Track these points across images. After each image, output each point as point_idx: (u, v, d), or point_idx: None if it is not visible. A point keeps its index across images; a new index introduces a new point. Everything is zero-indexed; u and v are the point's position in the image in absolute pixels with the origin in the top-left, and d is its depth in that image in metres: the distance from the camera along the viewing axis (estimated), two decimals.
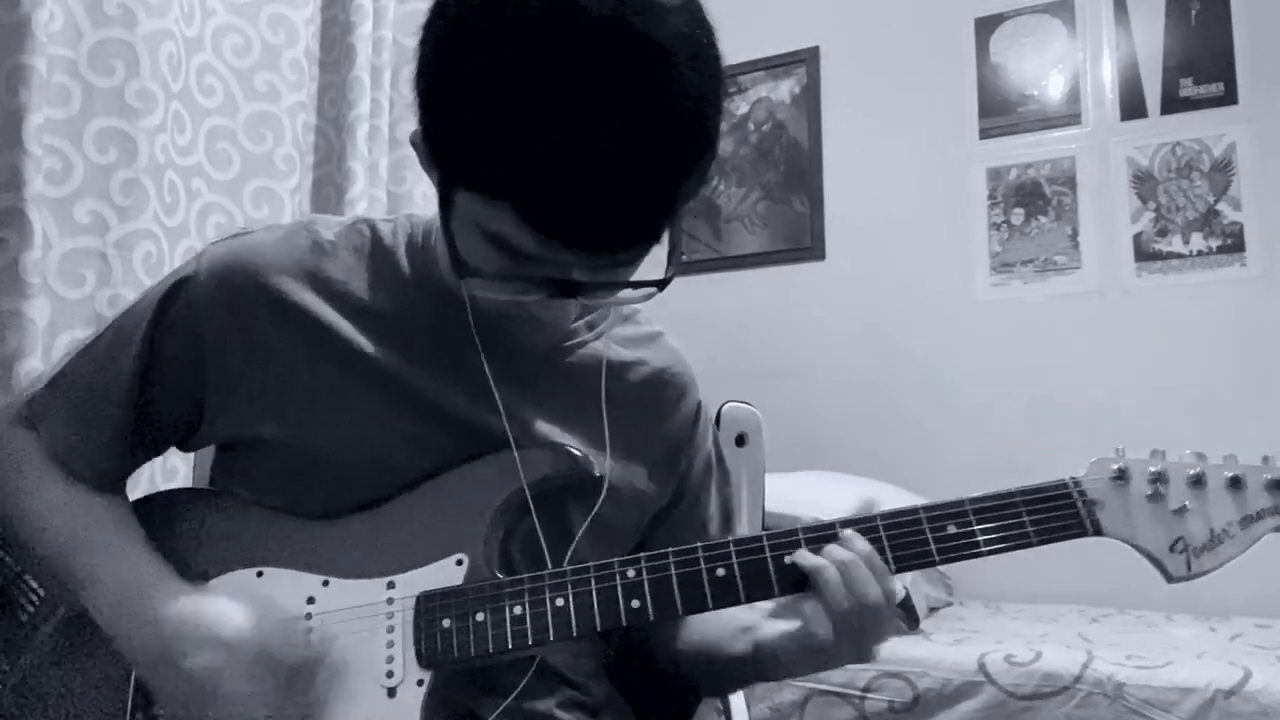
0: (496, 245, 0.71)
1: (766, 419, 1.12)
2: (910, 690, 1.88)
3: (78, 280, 1.39)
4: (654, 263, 0.75)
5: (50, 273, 1.36)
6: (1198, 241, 2.60)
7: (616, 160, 0.64)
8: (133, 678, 0.79)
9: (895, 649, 1.97)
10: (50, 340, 1.34)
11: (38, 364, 1.31)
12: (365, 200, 1.77)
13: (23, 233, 1.31)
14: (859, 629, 0.76)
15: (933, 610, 2.40)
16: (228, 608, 0.75)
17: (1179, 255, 2.61)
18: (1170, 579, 0.78)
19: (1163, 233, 2.63)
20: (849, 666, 1.92)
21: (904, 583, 2.13)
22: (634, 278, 0.75)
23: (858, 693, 1.92)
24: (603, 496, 0.85)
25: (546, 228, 0.67)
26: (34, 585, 0.97)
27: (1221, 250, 2.57)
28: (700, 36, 0.67)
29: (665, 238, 0.73)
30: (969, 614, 2.43)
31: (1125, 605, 2.43)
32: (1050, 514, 0.78)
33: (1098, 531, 0.78)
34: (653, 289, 0.74)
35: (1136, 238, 2.66)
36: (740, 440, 1.07)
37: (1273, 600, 2.31)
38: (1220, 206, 2.58)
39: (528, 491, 0.81)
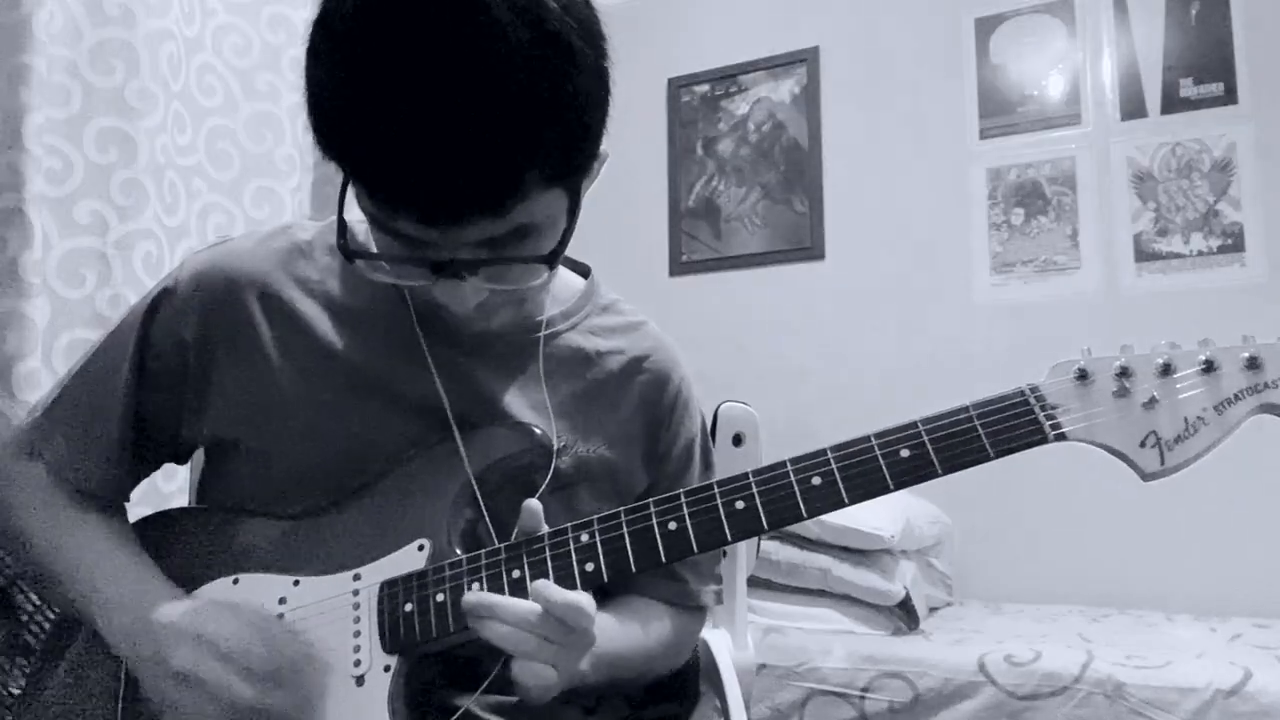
0: (378, 226, 0.73)
1: (765, 419, 1.13)
2: (910, 690, 1.88)
3: (78, 280, 1.39)
4: (555, 239, 0.75)
5: (50, 273, 1.36)
6: (1198, 241, 2.59)
7: (443, 125, 0.65)
8: (123, 669, 0.81)
9: (895, 649, 1.97)
10: (50, 340, 1.34)
11: (37, 364, 1.31)
12: None
13: (23, 233, 1.31)
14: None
15: (933, 610, 2.40)
16: (210, 608, 0.77)
17: (1179, 255, 2.61)
18: (1145, 476, 0.72)
19: (1163, 233, 2.63)
20: (848, 666, 1.94)
21: (904, 583, 2.13)
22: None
23: (858, 693, 1.92)
24: (550, 473, 0.85)
25: (386, 197, 0.69)
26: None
27: (1221, 250, 2.56)
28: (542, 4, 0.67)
29: (564, 216, 0.74)
30: (969, 614, 2.42)
31: (1125, 605, 2.43)
32: (1006, 424, 0.74)
33: (1060, 437, 0.73)
34: (541, 265, 0.74)
35: (1136, 238, 2.65)
36: (737, 440, 1.07)
37: (1273, 600, 2.31)
38: (1220, 206, 2.58)
39: (472, 479, 0.81)
